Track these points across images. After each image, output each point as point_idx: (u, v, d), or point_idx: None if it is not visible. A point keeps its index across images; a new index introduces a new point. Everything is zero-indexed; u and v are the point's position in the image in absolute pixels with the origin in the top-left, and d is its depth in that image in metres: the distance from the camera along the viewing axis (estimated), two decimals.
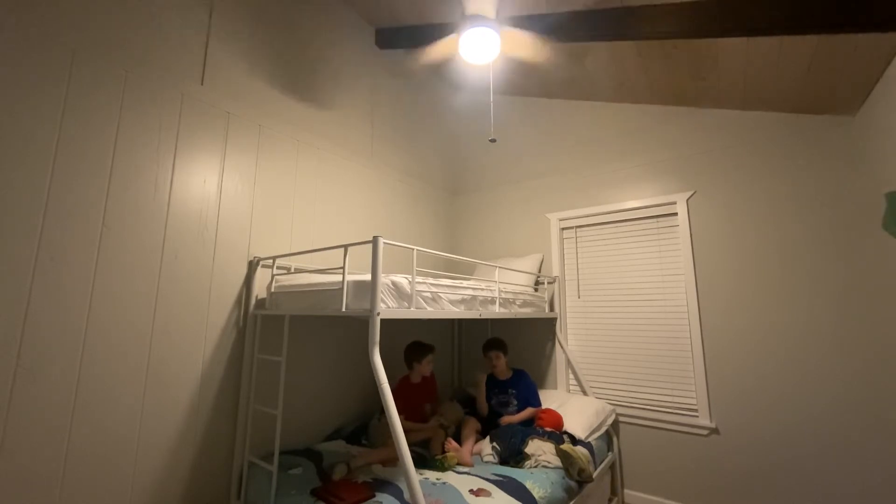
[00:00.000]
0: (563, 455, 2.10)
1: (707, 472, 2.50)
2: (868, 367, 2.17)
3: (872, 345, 2.17)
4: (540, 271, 3.24)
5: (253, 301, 2.19)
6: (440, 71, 3.72)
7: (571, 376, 3.09)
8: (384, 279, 1.66)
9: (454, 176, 3.98)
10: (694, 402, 2.61)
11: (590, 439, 2.46)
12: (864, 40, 1.82)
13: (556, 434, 2.34)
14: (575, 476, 2.08)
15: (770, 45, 2.04)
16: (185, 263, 1.97)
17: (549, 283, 3.17)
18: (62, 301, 1.60)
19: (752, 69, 2.26)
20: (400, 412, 1.58)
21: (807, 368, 2.31)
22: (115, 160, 1.78)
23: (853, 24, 1.70)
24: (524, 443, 2.21)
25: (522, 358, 3.24)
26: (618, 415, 2.83)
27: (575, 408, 2.64)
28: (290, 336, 2.29)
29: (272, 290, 2.18)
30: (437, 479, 1.93)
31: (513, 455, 2.16)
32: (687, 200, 2.77)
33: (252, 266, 2.22)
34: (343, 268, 1.72)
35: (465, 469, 2.07)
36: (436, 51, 2.40)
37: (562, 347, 3.11)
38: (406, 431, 1.60)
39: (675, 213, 2.81)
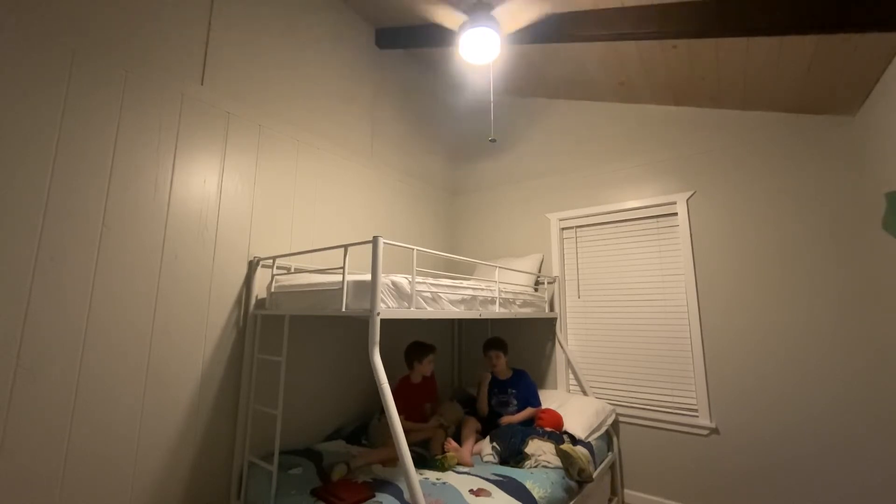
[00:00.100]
0: (563, 455, 2.10)
1: (707, 472, 2.50)
2: (868, 367, 2.17)
3: (872, 345, 2.17)
4: (540, 271, 3.24)
5: (253, 301, 2.19)
6: (440, 71, 3.73)
7: (571, 376, 3.09)
8: (384, 279, 1.66)
9: (454, 176, 3.99)
10: (694, 402, 2.61)
11: (590, 439, 2.46)
12: (864, 40, 1.82)
13: (556, 434, 2.35)
14: (575, 476, 2.08)
15: (770, 45, 2.04)
16: (185, 263, 1.97)
17: (549, 283, 3.17)
18: (62, 301, 1.60)
19: (752, 69, 2.26)
20: (400, 412, 1.58)
21: (807, 368, 2.31)
22: (115, 160, 1.78)
23: (853, 24, 1.71)
24: (524, 443, 2.21)
25: (522, 358, 3.24)
26: (618, 415, 2.83)
27: (575, 408, 2.64)
28: (290, 336, 2.29)
29: (272, 290, 2.18)
30: (437, 479, 1.93)
31: (513, 455, 2.16)
32: (687, 200, 2.77)
33: (252, 266, 2.22)
34: (343, 268, 1.72)
35: (465, 469, 2.07)
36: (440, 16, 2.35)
37: (562, 347, 3.11)
38: (406, 431, 1.60)
39: (675, 213, 2.81)
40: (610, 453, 2.67)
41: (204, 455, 1.96)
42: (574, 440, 2.38)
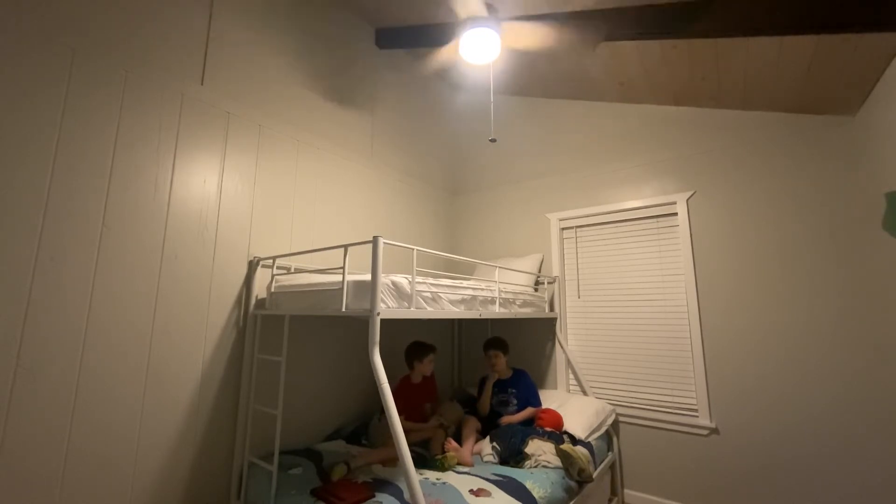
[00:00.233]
0: (563, 455, 2.10)
1: (707, 472, 2.50)
2: (868, 367, 2.17)
3: (872, 345, 2.17)
4: (540, 271, 3.24)
5: (253, 301, 2.19)
6: (440, 71, 3.73)
7: (571, 376, 3.09)
8: (384, 279, 1.66)
9: (454, 176, 3.99)
10: (694, 402, 2.61)
11: (590, 439, 2.46)
12: (864, 40, 1.82)
13: (556, 434, 2.34)
14: (575, 476, 2.08)
15: (770, 45, 2.04)
16: (185, 263, 1.97)
17: (549, 283, 3.17)
18: (62, 301, 1.60)
19: (752, 69, 2.26)
20: (400, 412, 1.58)
21: (807, 368, 2.31)
22: (115, 160, 1.78)
23: (853, 24, 1.71)
24: (524, 443, 2.21)
25: (522, 358, 3.24)
26: (618, 415, 2.83)
27: (575, 408, 2.64)
28: (290, 336, 2.29)
29: (272, 290, 2.18)
30: (437, 479, 1.93)
31: (513, 455, 2.16)
32: (687, 200, 2.77)
33: (252, 266, 2.22)
34: (343, 268, 1.72)
35: (465, 469, 2.07)
36: (440, 55, 2.39)
37: (562, 347, 3.11)
38: (406, 431, 1.60)
39: (675, 213, 2.81)
40: (610, 453, 2.67)
41: (204, 455, 1.96)
42: (574, 440, 2.38)
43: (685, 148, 2.83)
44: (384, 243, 1.63)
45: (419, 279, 1.84)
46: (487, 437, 2.36)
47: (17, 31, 1.57)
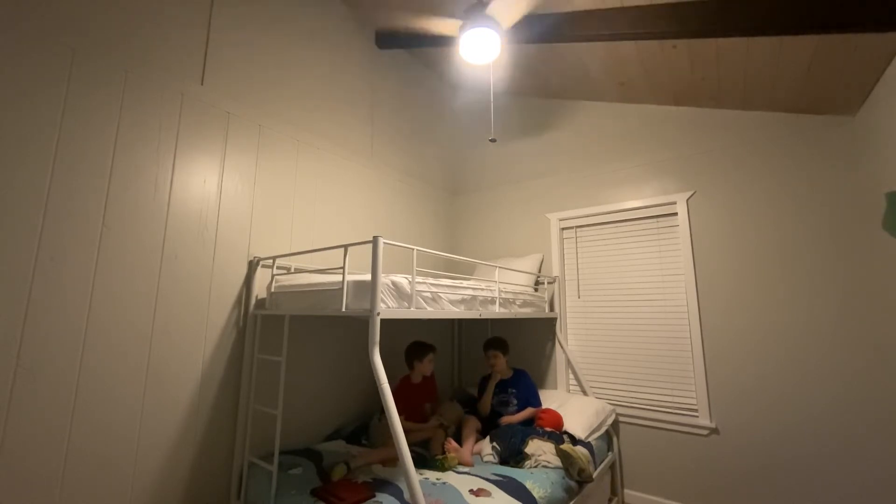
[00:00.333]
0: (563, 455, 2.10)
1: (707, 472, 2.50)
2: (868, 367, 2.17)
3: (872, 345, 2.17)
4: (540, 271, 3.24)
5: (253, 301, 2.19)
6: (440, 71, 3.73)
7: (571, 376, 3.09)
8: (384, 279, 1.66)
9: (454, 176, 3.99)
10: (694, 402, 2.61)
11: (590, 439, 2.46)
12: (864, 40, 1.82)
13: (556, 434, 2.34)
14: (575, 476, 2.08)
15: (770, 45, 2.04)
16: (185, 263, 1.97)
17: (549, 283, 3.17)
18: (62, 301, 1.60)
19: (752, 69, 2.26)
20: (400, 412, 1.58)
21: (807, 368, 2.31)
22: (115, 160, 1.79)
23: (853, 24, 1.70)
24: (524, 443, 2.21)
25: (522, 358, 3.24)
26: (618, 415, 2.83)
27: (575, 408, 2.64)
28: (290, 336, 2.29)
29: (272, 290, 2.18)
30: (437, 479, 1.93)
31: (513, 455, 2.16)
32: (687, 200, 2.77)
33: (252, 266, 2.22)
34: (343, 268, 1.72)
35: (465, 469, 2.07)
36: (436, 27, 2.35)
37: (562, 347, 3.11)
38: (406, 431, 1.60)
39: (675, 213, 2.81)
40: (610, 453, 2.67)
41: (204, 455, 1.96)
42: (574, 440, 2.38)
43: (685, 148, 2.83)
44: (384, 243, 1.63)
45: (419, 279, 1.84)
46: (487, 437, 2.36)
47: (17, 31, 1.57)
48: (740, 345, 2.50)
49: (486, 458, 2.22)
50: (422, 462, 2.10)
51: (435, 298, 1.91)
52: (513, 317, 2.55)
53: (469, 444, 2.31)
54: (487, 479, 1.92)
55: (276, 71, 2.47)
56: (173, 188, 1.95)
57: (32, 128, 1.58)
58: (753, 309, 2.49)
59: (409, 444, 1.53)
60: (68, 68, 1.68)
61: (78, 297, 1.64)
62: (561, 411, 2.57)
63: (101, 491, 1.64)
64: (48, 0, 1.66)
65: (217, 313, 2.07)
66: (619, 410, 2.83)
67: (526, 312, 2.69)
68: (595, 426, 2.56)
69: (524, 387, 2.69)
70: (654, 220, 2.90)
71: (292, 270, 2.36)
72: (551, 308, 3.16)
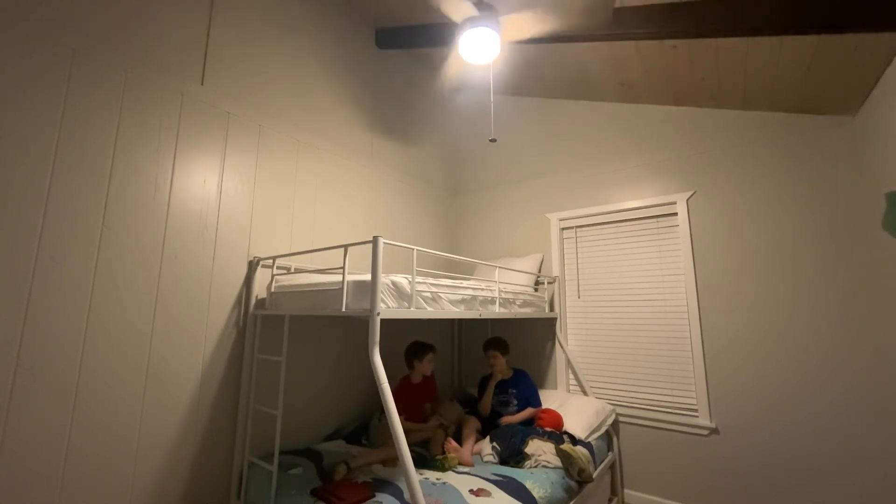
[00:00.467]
0: (563, 455, 2.10)
1: (707, 472, 2.50)
2: (868, 367, 2.17)
3: (872, 345, 2.17)
4: (540, 271, 3.24)
5: (253, 301, 2.19)
6: (440, 71, 3.73)
7: (571, 376, 3.09)
8: (384, 279, 1.66)
9: (454, 176, 3.99)
10: (694, 402, 2.61)
11: (590, 439, 2.46)
12: (864, 40, 1.82)
13: (556, 434, 2.34)
14: (575, 476, 2.08)
15: (770, 45, 2.04)
16: (185, 263, 1.97)
17: (549, 283, 3.17)
18: (62, 301, 1.60)
19: (752, 69, 2.26)
20: (400, 412, 1.58)
21: (807, 368, 2.31)
22: (115, 160, 1.78)
23: (853, 24, 1.71)
24: (524, 443, 2.21)
25: (522, 358, 3.24)
26: (618, 415, 2.83)
27: (575, 408, 2.64)
28: (290, 336, 2.29)
29: (272, 290, 2.18)
30: (437, 479, 1.93)
31: (513, 455, 2.16)
32: (687, 200, 2.77)
33: (252, 266, 2.22)
34: (343, 268, 1.72)
35: (465, 469, 2.07)
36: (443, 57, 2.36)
37: (562, 347, 3.11)
38: (406, 431, 1.60)
39: (675, 213, 2.81)
40: (610, 453, 2.67)
41: (204, 455, 1.96)
42: (574, 440, 2.38)
43: (685, 148, 2.83)
44: (384, 243, 1.63)
45: (419, 279, 1.84)
46: (487, 437, 2.36)
47: (17, 31, 1.57)
48: (740, 345, 2.50)
49: (486, 458, 2.22)
50: (422, 462, 2.10)
51: (435, 298, 1.91)
52: (513, 317, 2.55)
53: (469, 444, 2.31)
54: (487, 479, 1.92)
55: (276, 71, 2.47)
56: (173, 188, 1.95)
57: (32, 128, 1.58)
58: (753, 309, 2.49)
59: (409, 444, 1.53)
60: (68, 68, 1.68)
61: (78, 297, 1.64)
62: (561, 411, 2.57)
63: (101, 491, 1.64)
64: (48, 0, 1.66)
65: (217, 313, 2.07)
66: (619, 410, 2.83)
67: (526, 312, 2.69)
68: (595, 426, 2.56)
69: (524, 387, 2.69)
70: (654, 220, 2.90)
71: (292, 270, 2.36)
72: (551, 308, 3.16)
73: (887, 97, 1.94)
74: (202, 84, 2.11)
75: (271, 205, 2.36)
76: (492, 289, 2.35)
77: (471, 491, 1.79)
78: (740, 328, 2.51)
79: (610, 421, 2.71)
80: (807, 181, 2.42)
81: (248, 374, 2.12)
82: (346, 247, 1.76)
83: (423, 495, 1.44)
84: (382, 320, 1.57)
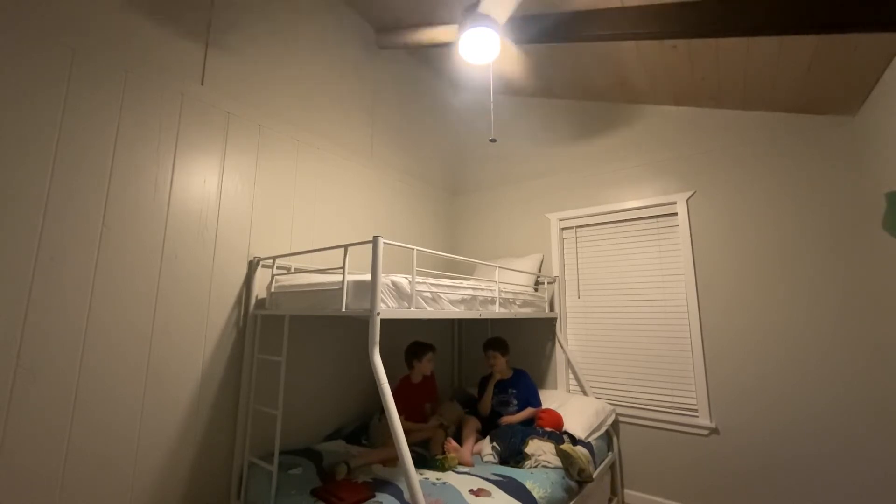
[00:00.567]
0: (563, 455, 2.10)
1: (707, 472, 2.50)
2: (868, 367, 2.17)
3: (872, 345, 2.17)
4: (540, 271, 3.24)
5: (253, 301, 2.19)
6: (440, 71, 3.73)
7: (571, 376, 3.09)
8: (384, 279, 1.66)
9: (454, 176, 3.98)
10: (694, 402, 2.61)
11: (590, 439, 2.46)
12: (864, 40, 1.82)
13: (556, 434, 2.34)
14: (575, 476, 2.08)
15: (770, 45, 2.04)
16: (185, 263, 1.97)
17: (549, 283, 3.17)
18: (62, 301, 1.60)
19: (752, 69, 2.26)
20: (400, 412, 1.58)
21: (807, 368, 2.31)
22: (115, 160, 1.78)
23: (853, 24, 1.70)
24: (524, 443, 2.21)
25: (522, 358, 3.24)
26: (618, 415, 2.82)
27: (575, 408, 2.64)
28: (290, 336, 2.29)
29: (272, 290, 2.18)
30: (437, 479, 1.93)
31: (513, 455, 2.16)
32: (687, 200, 2.77)
33: (252, 266, 2.22)
34: (343, 268, 1.72)
35: (465, 469, 2.07)
36: (434, 35, 2.36)
37: (562, 347, 3.11)
38: (406, 431, 1.60)
39: (675, 213, 2.81)
40: (610, 453, 2.67)
41: (204, 455, 1.96)
42: (574, 440, 2.38)
43: (685, 148, 2.83)
44: (384, 243, 1.63)
45: (419, 279, 1.84)
46: (487, 437, 2.36)
47: (17, 31, 1.57)
48: (740, 345, 2.50)
49: (486, 458, 2.22)
50: (422, 462, 2.10)
51: (435, 298, 1.91)
52: (513, 317, 2.55)
53: (469, 444, 2.31)
54: (487, 479, 1.92)
55: (276, 71, 2.47)
56: (173, 188, 1.95)
57: (32, 128, 1.58)
58: (753, 309, 2.49)
59: (409, 444, 1.53)
60: (68, 68, 1.68)
61: (78, 297, 1.64)
62: (561, 411, 2.57)
63: (101, 491, 1.64)
64: (48, 0, 1.65)
65: (217, 313, 2.07)
66: (619, 410, 2.83)
67: (526, 312, 2.69)
68: (595, 426, 2.56)
69: (524, 387, 2.69)
70: (654, 220, 2.90)
71: (292, 270, 2.36)
72: (551, 308, 3.16)
73: (887, 97, 1.94)
74: (202, 84, 2.11)
75: (271, 205, 2.36)
76: (492, 289, 2.35)
77: (471, 491, 1.79)
78: (740, 328, 2.51)
79: (610, 421, 2.71)
80: (807, 181, 2.42)
81: (248, 374, 2.12)
82: (346, 247, 1.76)
83: (423, 495, 1.44)
84: (382, 320, 1.57)
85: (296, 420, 2.34)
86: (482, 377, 2.86)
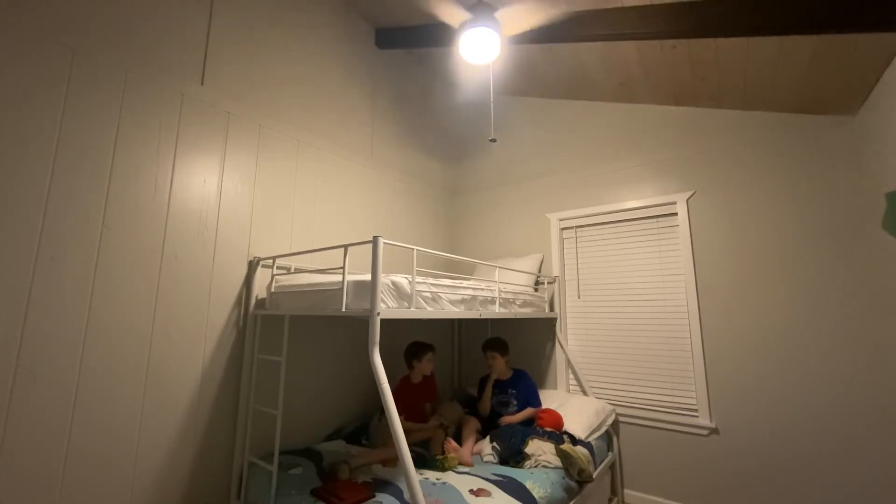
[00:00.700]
0: (563, 455, 2.10)
1: (707, 472, 2.50)
2: (868, 367, 2.17)
3: (872, 345, 2.17)
4: (540, 271, 3.24)
5: (253, 301, 2.19)
6: (440, 71, 3.73)
7: (571, 376, 3.09)
8: (384, 279, 1.66)
9: (454, 176, 3.98)
10: (694, 402, 2.61)
11: (590, 439, 2.46)
12: (864, 40, 1.82)
13: (556, 434, 2.34)
14: (575, 476, 2.08)
15: (770, 45, 2.04)
16: (185, 263, 1.97)
17: (549, 283, 3.17)
18: (62, 301, 1.60)
19: (752, 69, 2.26)
20: (400, 412, 1.58)
21: (807, 368, 2.31)
22: (115, 160, 1.78)
23: (853, 24, 1.70)
24: (524, 443, 2.21)
25: (522, 358, 3.24)
26: (618, 415, 2.82)
27: (575, 408, 2.64)
28: (290, 336, 2.29)
29: (272, 290, 2.18)
30: (437, 479, 1.93)
31: (513, 455, 2.16)
32: (687, 200, 2.77)
33: (252, 266, 2.22)
34: (343, 268, 1.72)
35: (465, 469, 2.07)
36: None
37: (562, 347, 3.11)
38: (406, 431, 1.60)
39: (675, 213, 2.81)
40: (610, 453, 2.67)
41: (204, 455, 1.96)
42: (574, 440, 2.38)
43: (685, 148, 2.83)
44: (384, 243, 1.63)
45: (419, 279, 1.84)
46: (487, 437, 2.36)
47: (17, 31, 1.57)
48: (740, 345, 2.50)
49: (486, 458, 2.22)
50: (422, 462, 2.10)
51: (435, 298, 1.91)
52: (513, 317, 2.55)
53: (469, 444, 2.31)
54: (487, 479, 1.92)
55: (276, 71, 2.47)
56: (173, 188, 1.95)
57: (32, 128, 1.58)
58: (753, 309, 2.49)
59: (409, 444, 1.53)
60: (68, 68, 1.68)
61: (78, 297, 1.64)
62: (561, 411, 2.57)
63: (101, 491, 1.64)
64: (48, 0, 1.65)
65: (217, 313, 2.07)
66: (619, 410, 2.83)
67: (526, 312, 2.69)
68: (595, 426, 2.56)
69: (524, 387, 2.69)
70: (654, 220, 2.90)
71: (292, 270, 2.36)
72: (551, 308, 3.16)
73: (887, 97, 1.94)
74: (202, 84, 2.11)
75: (271, 205, 2.35)
76: (492, 289, 2.35)
77: (471, 491, 1.79)
78: (740, 328, 2.51)
79: (610, 421, 2.71)
80: (807, 181, 2.42)
81: (248, 374, 2.12)
82: (346, 247, 1.76)
83: (423, 495, 1.44)
84: (382, 320, 1.57)
85: (296, 420, 2.34)
86: (482, 377, 2.86)
